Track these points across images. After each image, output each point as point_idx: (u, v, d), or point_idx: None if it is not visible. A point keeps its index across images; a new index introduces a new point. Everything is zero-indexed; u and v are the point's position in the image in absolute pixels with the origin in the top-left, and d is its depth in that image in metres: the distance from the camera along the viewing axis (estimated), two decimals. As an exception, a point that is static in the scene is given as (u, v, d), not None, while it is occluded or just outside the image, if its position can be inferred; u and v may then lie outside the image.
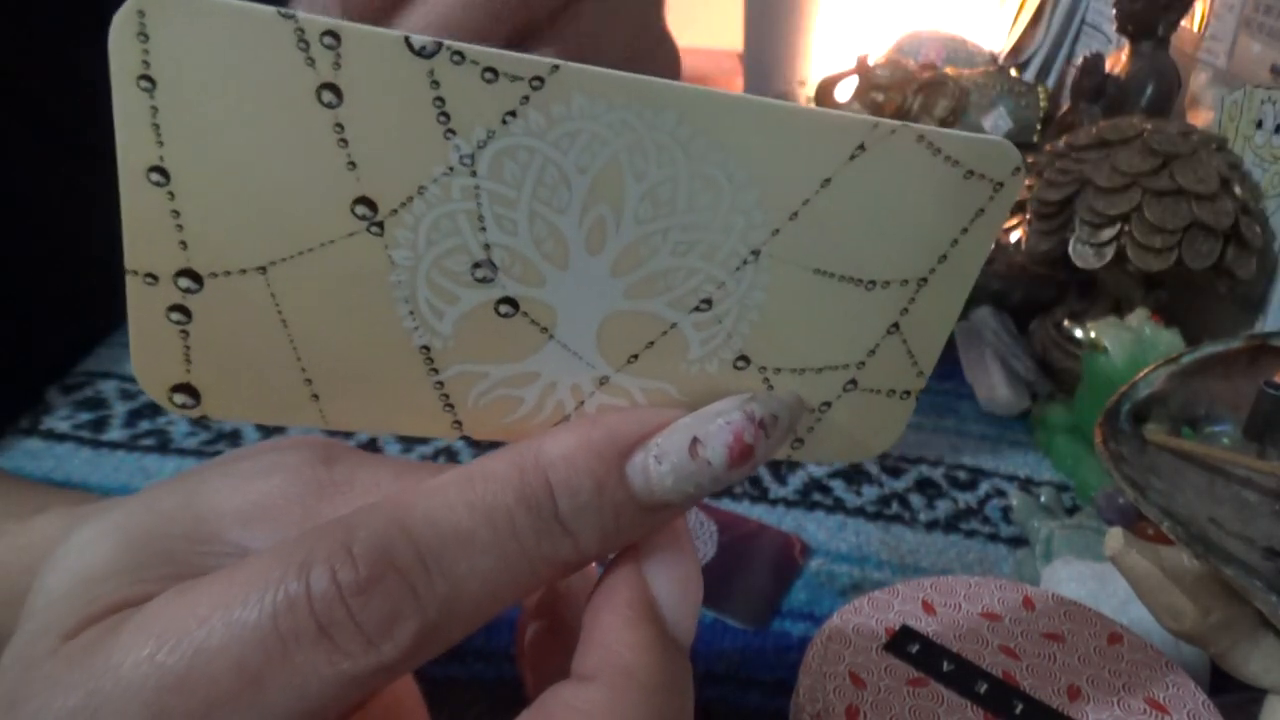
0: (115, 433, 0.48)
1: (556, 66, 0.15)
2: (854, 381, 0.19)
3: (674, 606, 0.17)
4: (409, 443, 0.48)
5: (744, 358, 0.18)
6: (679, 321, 0.18)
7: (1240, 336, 0.34)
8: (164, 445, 0.48)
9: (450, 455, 0.48)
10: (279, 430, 0.47)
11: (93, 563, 0.16)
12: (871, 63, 0.75)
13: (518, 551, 0.16)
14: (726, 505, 0.46)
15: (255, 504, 0.17)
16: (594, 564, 0.18)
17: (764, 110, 0.16)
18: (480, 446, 0.47)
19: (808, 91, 0.85)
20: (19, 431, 0.48)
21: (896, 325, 0.19)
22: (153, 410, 0.50)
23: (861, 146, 0.17)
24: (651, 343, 0.18)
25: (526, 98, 0.15)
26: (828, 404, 0.19)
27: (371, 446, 0.47)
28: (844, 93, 0.76)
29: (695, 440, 0.16)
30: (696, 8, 1.35)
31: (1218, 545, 0.26)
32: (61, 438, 0.47)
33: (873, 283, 0.18)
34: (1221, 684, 0.30)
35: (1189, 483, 0.29)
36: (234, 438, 0.48)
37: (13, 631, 0.16)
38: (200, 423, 0.49)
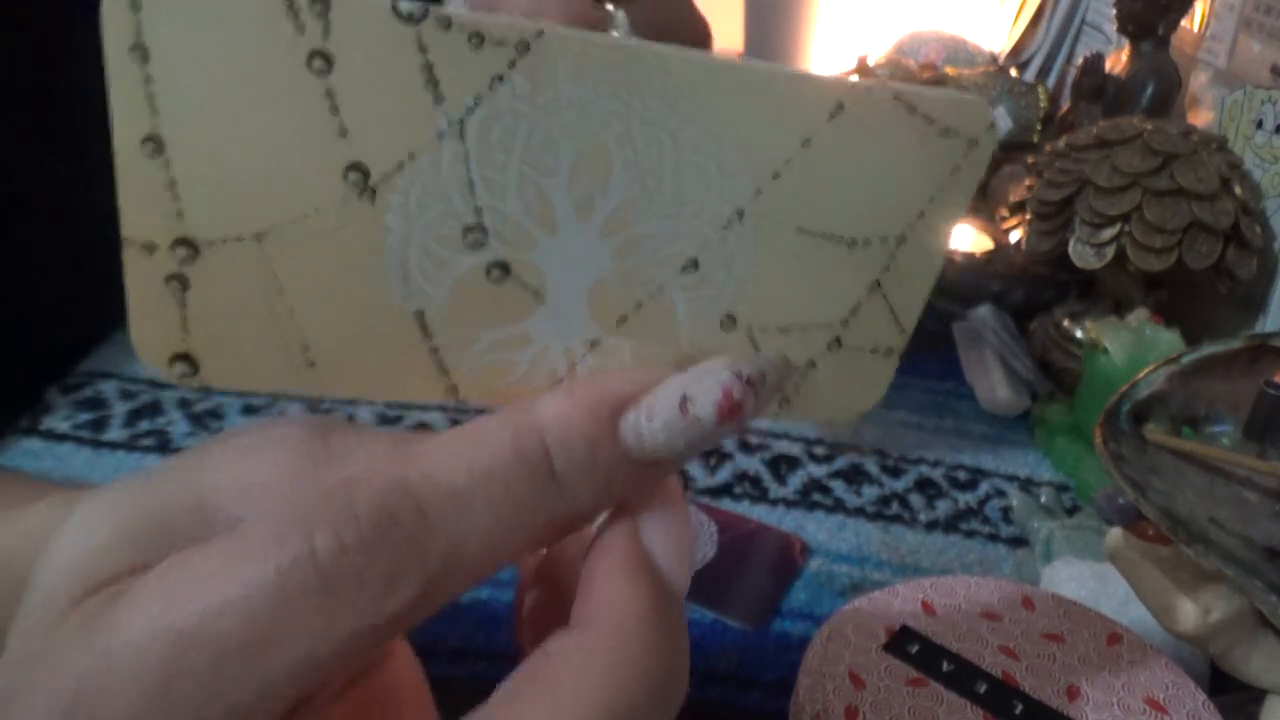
0: (115, 433, 0.48)
1: (541, 32, 0.15)
2: (838, 340, 0.20)
3: (668, 557, 0.18)
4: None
5: (731, 317, 0.19)
6: (666, 282, 0.18)
7: (1240, 336, 0.34)
8: (164, 445, 0.47)
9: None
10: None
11: (97, 536, 0.16)
12: (871, 63, 0.75)
13: (515, 509, 0.16)
14: (726, 505, 0.46)
15: (253, 479, 0.17)
16: (591, 528, 0.18)
17: (745, 72, 0.16)
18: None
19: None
20: (19, 431, 0.48)
21: (878, 283, 0.19)
22: (152, 410, 0.50)
23: (840, 106, 0.17)
24: (640, 304, 0.18)
25: (513, 63, 0.15)
26: (813, 362, 0.20)
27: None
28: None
29: (685, 398, 0.17)
30: (696, 8, 1.35)
31: (1218, 545, 0.26)
32: (61, 438, 0.47)
33: (854, 241, 0.19)
34: (1221, 684, 0.30)
35: (1189, 483, 0.29)
36: (234, 438, 0.48)
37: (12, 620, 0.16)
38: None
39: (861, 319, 0.19)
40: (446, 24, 0.15)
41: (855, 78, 0.76)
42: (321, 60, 0.15)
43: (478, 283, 0.17)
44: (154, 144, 0.15)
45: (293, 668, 0.14)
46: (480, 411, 0.17)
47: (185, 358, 0.17)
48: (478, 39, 0.15)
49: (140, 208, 0.15)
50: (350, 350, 0.17)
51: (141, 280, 0.16)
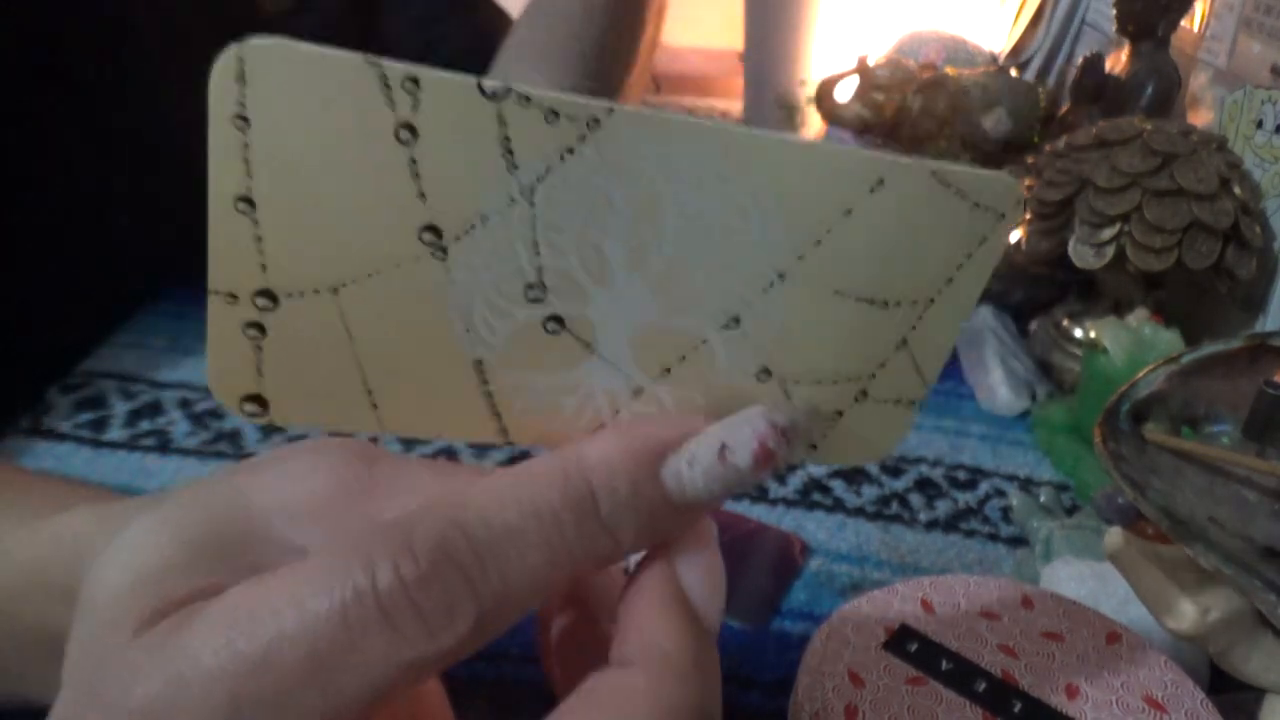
0: (115, 432, 0.48)
1: (611, 110, 0.16)
2: (865, 392, 0.21)
3: (702, 597, 0.19)
4: (409, 443, 0.48)
5: (766, 370, 0.20)
6: (710, 337, 0.19)
7: (1240, 336, 0.34)
8: (164, 445, 0.48)
9: (450, 455, 0.48)
10: (279, 429, 0.47)
11: (152, 558, 0.17)
12: (871, 63, 0.75)
13: (562, 547, 0.17)
14: (727, 505, 0.46)
15: (304, 502, 0.18)
16: (620, 563, 0.19)
17: (794, 148, 0.18)
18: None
19: (808, 91, 0.85)
20: (20, 431, 0.48)
21: (905, 341, 0.20)
22: (152, 410, 0.50)
23: (881, 181, 0.18)
24: (684, 356, 0.19)
25: (583, 136, 0.16)
26: (840, 412, 0.21)
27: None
28: (844, 93, 0.76)
29: (724, 446, 0.18)
30: (696, 8, 1.35)
31: (1217, 544, 0.26)
32: (62, 437, 0.47)
33: (885, 303, 0.20)
34: (1220, 683, 0.30)
35: (1189, 482, 0.29)
36: (233, 437, 0.48)
37: (48, 622, 0.16)
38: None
39: (888, 373, 0.21)
40: (526, 101, 0.16)
41: (857, 78, 0.75)
42: (408, 131, 0.16)
43: (534, 334, 0.18)
44: (246, 203, 0.16)
45: (355, 694, 0.15)
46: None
47: (256, 399, 0.18)
48: (554, 115, 0.16)
49: (227, 261, 0.17)
50: (411, 394, 0.19)
51: (222, 327, 0.17)
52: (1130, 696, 0.27)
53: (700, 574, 0.19)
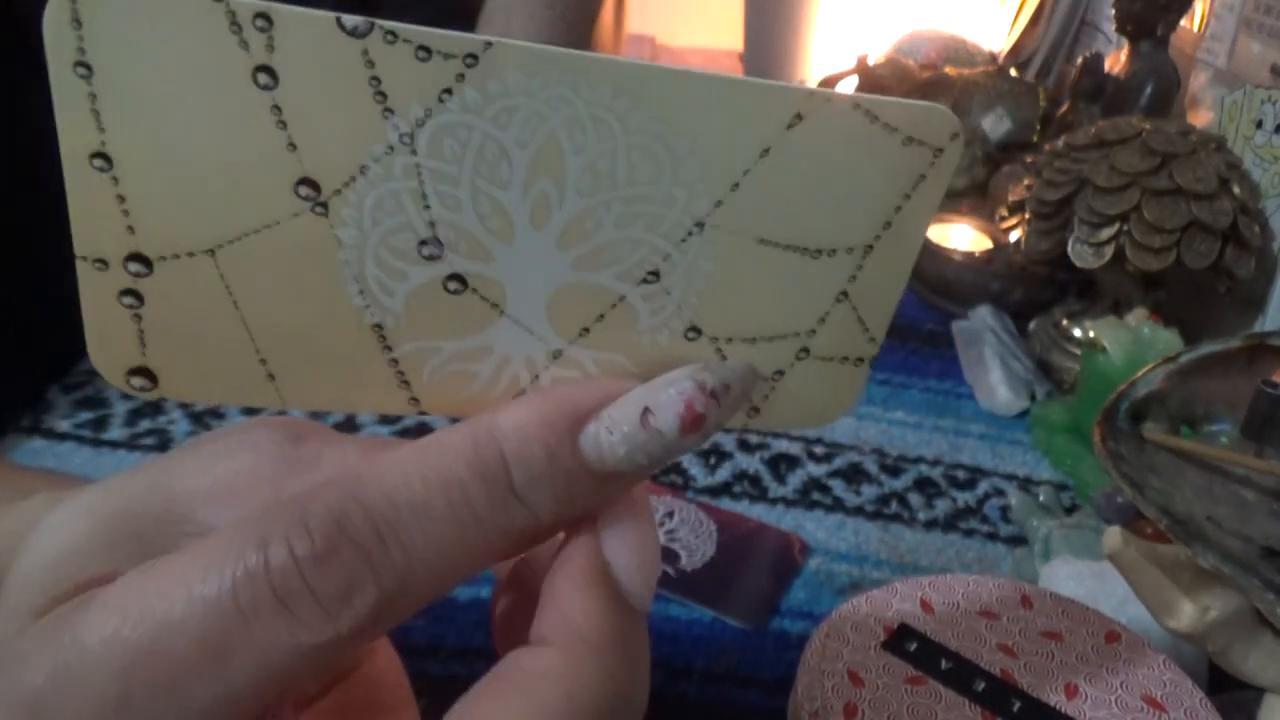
0: (116, 431, 0.48)
1: (490, 44, 0.15)
2: (806, 349, 0.19)
3: (629, 573, 0.18)
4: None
5: (695, 328, 0.18)
6: (627, 293, 0.18)
7: (1239, 336, 0.34)
8: (164, 444, 0.48)
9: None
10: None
11: (65, 543, 0.16)
12: (871, 63, 0.75)
13: (473, 521, 0.16)
14: (726, 504, 0.46)
15: (224, 483, 0.17)
16: (562, 536, 0.18)
17: (699, 81, 0.16)
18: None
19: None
20: (20, 430, 0.48)
21: (845, 293, 0.19)
22: (153, 409, 0.50)
23: (799, 116, 0.17)
24: (601, 315, 0.18)
25: (461, 75, 0.15)
26: (780, 372, 0.19)
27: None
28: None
29: (646, 410, 0.17)
30: (696, 8, 1.35)
31: (1216, 543, 0.26)
32: (62, 436, 0.47)
33: (819, 251, 0.18)
34: (1219, 682, 0.30)
35: (1187, 481, 0.29)
36: (234, 437, 0.48)
37: None
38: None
39: (829, 329, 0.19)
40: (392, 38, 0.15)
41: (857, 78, 0.75)
42: (267, 75, 0.15)
43: (435, 295, 0.17)
44: (102, 160, 0.15)
45: (251, 681, 0.14)
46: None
47: (143, 371, 0.17)
48: (424, 52, 0.15)
49: (91, 224, 0.15)
50: (310, 364, 0.17)
51: (96, 296, 0.16)
52: (1129, 695, 0.27)
53: (627, 548, 0.18)
